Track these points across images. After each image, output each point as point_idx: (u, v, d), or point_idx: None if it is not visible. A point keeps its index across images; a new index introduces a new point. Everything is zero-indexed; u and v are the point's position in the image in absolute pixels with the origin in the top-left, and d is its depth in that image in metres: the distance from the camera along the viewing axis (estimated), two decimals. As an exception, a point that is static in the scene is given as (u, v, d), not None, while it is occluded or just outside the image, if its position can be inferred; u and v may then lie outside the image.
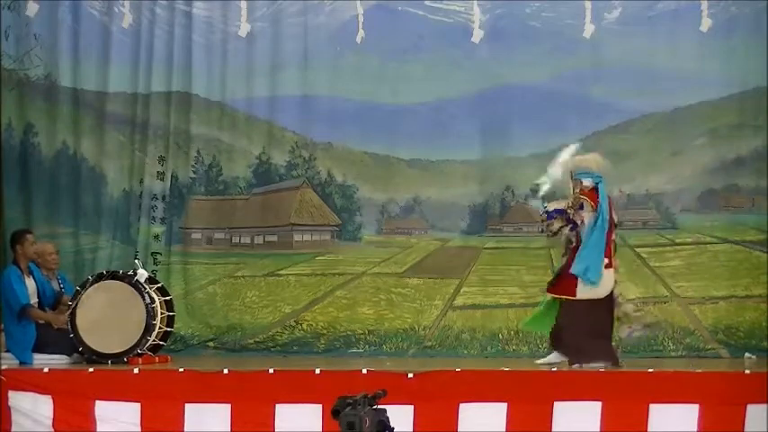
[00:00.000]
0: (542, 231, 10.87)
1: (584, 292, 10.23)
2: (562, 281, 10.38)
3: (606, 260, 10.29)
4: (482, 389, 9.58)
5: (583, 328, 10.22)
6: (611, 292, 10.33)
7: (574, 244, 10.40)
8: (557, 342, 10.46)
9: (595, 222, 10.30)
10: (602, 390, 9.44)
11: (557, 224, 10.46)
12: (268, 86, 13.25)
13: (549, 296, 10.52)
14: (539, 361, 10.56)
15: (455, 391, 9.59)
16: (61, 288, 11.70)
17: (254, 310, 13.11)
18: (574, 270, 10.23)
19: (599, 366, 10.06)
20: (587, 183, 10.42)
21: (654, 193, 12.74)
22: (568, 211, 10.36)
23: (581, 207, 10.35)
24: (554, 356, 10.45)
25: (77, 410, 9.98)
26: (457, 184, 13.10)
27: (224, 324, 13.03)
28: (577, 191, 10.39)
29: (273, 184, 13.37)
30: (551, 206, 10.48)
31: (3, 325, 11.36)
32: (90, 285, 11.12)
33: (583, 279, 10.22)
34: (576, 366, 10.11)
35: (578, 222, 10.35)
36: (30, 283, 11.38)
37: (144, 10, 13.36)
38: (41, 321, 11.23)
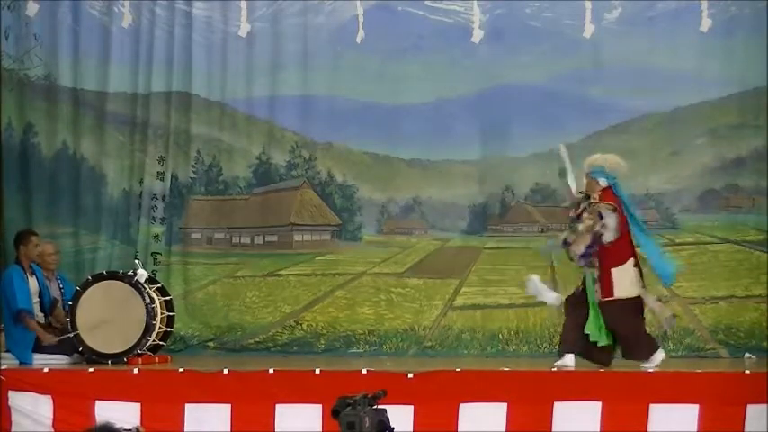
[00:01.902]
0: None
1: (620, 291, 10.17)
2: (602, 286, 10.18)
3: (633, 260, 10.25)
4: (482, 389, 9.59)
5: (634, 326, 10.16)
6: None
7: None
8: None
9: (628, 226, 10.24)
10: (602, 390, 9.45)
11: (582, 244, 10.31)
12: (268, 86, 13.25)
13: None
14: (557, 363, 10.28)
15: (455, 391, 9.59)
16: (61, 289, 11.69)
17: (254, 310, 13.10)
18: (667, 281, 10.55)
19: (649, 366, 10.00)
20: (602, 183, 10.36)
21: (654, 193, 12.73)
22: (596, 229, 10.21)
23: (600, 216, 10.20)
24: (569, 359, 10.22)
25: (77, 410, 9.98)
26: (457, 184, 13.10)
27: (224, 324, 13.03)
28: (595, 195, 10.28)
29: (273, 184, 13.37)
30: (578, 249, 10.19)
31: (3, 325, 11.36)
32: (90, 285, 11.12)
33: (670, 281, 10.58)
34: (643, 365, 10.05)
35: (603, 233, 10.19)
36: (32, 283, 11.38)
37: (144, 10, 13.35)
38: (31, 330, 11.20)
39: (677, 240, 12.67)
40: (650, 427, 9.33)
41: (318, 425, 9.48)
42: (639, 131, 12.75)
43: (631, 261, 10.22)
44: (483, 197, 13.03)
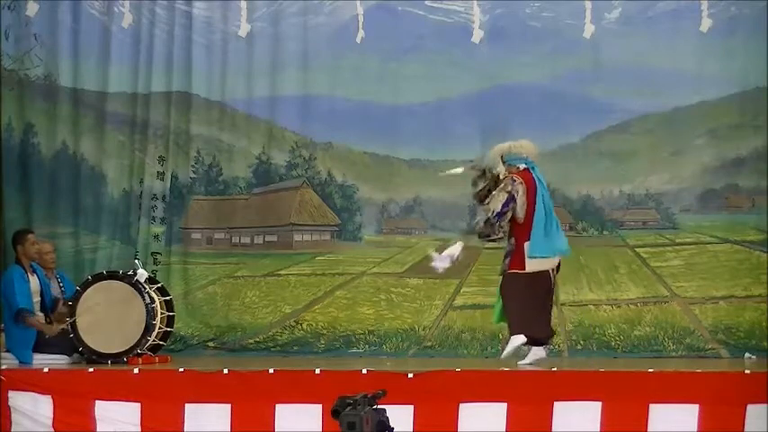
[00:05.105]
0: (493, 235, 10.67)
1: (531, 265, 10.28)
2: (513, 258, 10.33)
3: None
4: (482, 389, 9.58)
5: (526, 301, 10.26)
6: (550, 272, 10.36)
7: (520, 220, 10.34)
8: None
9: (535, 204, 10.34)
10: (602, 390, 9.44)
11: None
12: (268, 86, 13.25)
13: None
14: (522, 362, 10.38)
15: (455, 391, 9.58)
16: (61, 288, 11.69)
17: (254, 310, 13.11)
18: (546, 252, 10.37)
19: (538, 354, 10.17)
20: (521, 166, 10.46)
21: (654, 193, 12.74)
22: (513, 194, 10.35)
23: (513, 181, 10.31)
24: (535, 353, 10.39)
25: (77, 410, 9.98)
26: (457, 184, 13.07)
27: (224, 324, 13.03)
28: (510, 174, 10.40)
29: (273, 184, 13.38)
30: (495, 206, 10.35)
31: (3, 325, 11.36)
32: (90, 285, 11.12)
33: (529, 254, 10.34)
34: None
35: (516, 196, 10.28)
36: (33, 282, 11.38)
37: (144, 10, 13.36)
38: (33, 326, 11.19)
39: (677, 240, 12.67)
40: (650, 427, 9.32)
41: (318, 425, 9.47)
42: (639, 131, 12.76)
43: None
44: (483, 197, 13.02)
